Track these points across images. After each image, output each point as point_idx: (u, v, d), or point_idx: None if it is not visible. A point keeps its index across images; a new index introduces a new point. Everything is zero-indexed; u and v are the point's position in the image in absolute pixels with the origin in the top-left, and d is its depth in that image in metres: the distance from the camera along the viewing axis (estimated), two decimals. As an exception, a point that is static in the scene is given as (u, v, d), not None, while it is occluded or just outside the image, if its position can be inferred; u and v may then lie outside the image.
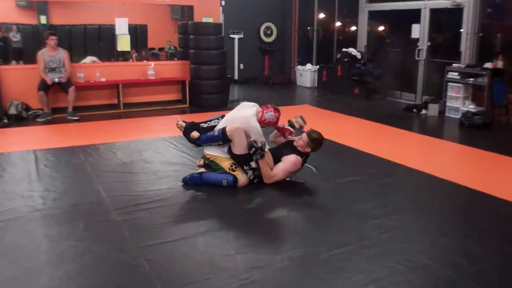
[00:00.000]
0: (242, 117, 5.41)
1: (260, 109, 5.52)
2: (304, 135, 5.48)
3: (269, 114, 5.47)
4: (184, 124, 5.51)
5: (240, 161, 5.33)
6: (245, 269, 3.60)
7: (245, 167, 5.35)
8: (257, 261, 3.74)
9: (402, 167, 6.23)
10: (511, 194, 5.20)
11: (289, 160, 5.36)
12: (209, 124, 5.53)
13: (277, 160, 5.41)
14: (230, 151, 5.35)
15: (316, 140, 5.45)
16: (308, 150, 5.47)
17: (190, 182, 5.37)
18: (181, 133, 5.63)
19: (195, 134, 5.44)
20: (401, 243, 4.04)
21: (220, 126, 5.40)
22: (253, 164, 5.34)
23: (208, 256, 3.80)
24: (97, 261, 3.71)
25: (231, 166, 5.31)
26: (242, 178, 5.31)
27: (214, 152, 5.39)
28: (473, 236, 4.21)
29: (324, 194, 5.31)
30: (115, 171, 5.90)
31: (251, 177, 5.36)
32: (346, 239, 4.10)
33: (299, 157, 5.39)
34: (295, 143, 5.51)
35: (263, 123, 5.46)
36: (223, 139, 5.27)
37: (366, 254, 3.83)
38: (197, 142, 5.52)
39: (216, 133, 5.33)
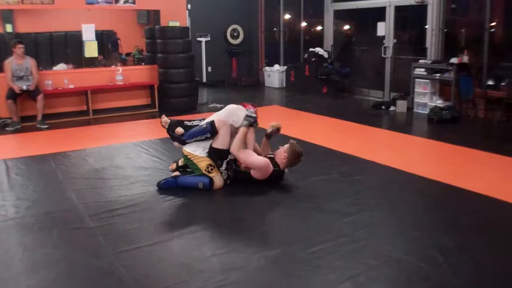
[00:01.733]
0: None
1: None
2: (286, 145, 5.46)
3: (250, 111, 5.51)
4: (169, 120, 5.55)
5: (219, 156, 5.34)
6: (221, 271, 3.60)
7: (219, 163, 5.36)
8: (233, 262, 3.76)
9: (373, 164, 6.31)
10: (481, 187, 5.31)
11: (261, 159, 5.34)
12: (192, 123, 5.56)
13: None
14: (210, 148, 5.36)
15: (295, 149, 5.40)
16: (284, 155, 5.39)
17: (165, 187, 5.36)
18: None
19: (180, 130, 5.44)
20: (375, 239, 4.10)
21: (205, 121, 5.45)
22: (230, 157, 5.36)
23: (184, 259, 3.81)
24: (72, 268, 3.68)
25: (208, 167, 5.32)
26: (218, 180, 5.32)
27: (194, 151, 5.38)
28: (445, 229, 4.29)
29: (297, 193, 5.33)
30: (87, 178, 5.85)
31: (225, 177, 5.37)
32: (321, 237, 4.13)
33: (270, 165, 5.33)
34: (274, 152, 5.54)
35: None
36: (212, 131, 5.31)
37: (341, 251, 3.87)
38: (181, 139, 5.45)
39: (204, 126, 5.37)
